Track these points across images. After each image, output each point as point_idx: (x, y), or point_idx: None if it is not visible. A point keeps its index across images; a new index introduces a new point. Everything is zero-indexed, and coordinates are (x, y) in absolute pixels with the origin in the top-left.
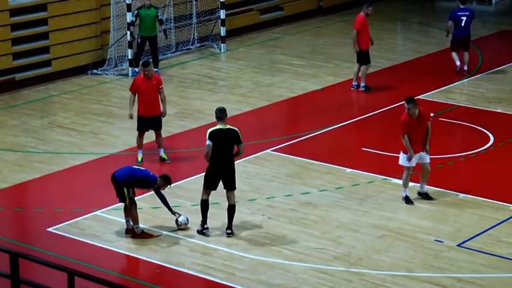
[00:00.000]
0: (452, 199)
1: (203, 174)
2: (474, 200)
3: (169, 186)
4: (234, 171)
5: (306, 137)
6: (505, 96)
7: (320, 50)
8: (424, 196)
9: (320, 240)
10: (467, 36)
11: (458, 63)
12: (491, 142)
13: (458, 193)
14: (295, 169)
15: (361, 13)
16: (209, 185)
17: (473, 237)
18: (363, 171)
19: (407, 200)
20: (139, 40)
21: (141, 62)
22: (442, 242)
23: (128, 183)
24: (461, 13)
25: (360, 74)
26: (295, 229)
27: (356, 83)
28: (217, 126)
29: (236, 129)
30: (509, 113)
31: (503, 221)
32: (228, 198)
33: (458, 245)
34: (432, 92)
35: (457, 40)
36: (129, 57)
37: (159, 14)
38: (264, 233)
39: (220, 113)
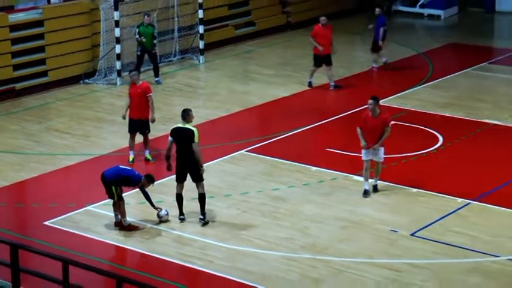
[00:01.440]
0: (406, 193)
1: None
2: (425, 194)
3: (152, 184)
4: (197, 165)
5: (276, 139)
6: (452, 102)
7: (288, 61)
8: (373, 188)
9: (289, 231)
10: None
11: (384, 59)
12: (440, 142)
13: (411, 188)
14: (266, 168)
15: (318, 23)
16: (177, 178)
17: (425, 227)
18: (327, 169)
19: (364, 193)
20: (138, 53)
21: (129, 70)
22: (397, 231)
23: (116, 181)
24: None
25: (328, 77)
26: (266, 221)
27: (310, 80)
28: (178, 125)
29: (193, 129)
30: (456, 116)
31: (451, 213)
32: (197, 188)
33: (412, 234)
34: (389, 98)
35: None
36: (117, 68)
37: (155, 32)
38: (239, 225)
39: (183, 113)
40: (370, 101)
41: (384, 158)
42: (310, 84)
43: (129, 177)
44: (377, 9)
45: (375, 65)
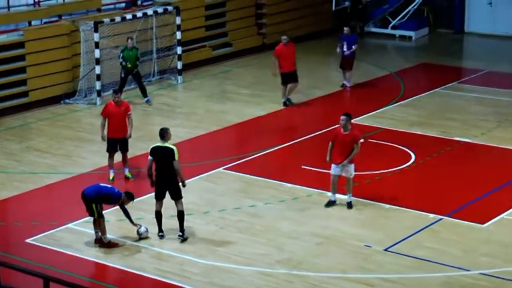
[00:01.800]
0: (380, 209)
1: None
2: (399, 210)
3: (132, 201)
4: (176, 183)
5: (253, 157)
6: (423, 120)
7: (264, 81)
8: (347, 205)
9: (265, 247)
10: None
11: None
12: (412, 160)
13: (385, 204)
14: (243, 185)
15: (281, 43)
16: (157, 196)
17: (398, 242)
18: (302, 186)
19: (327, 203)
20: (122, 75)
21: (112, 90)
22: (370, 246)
23: (96, 199)
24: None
25: (288, 90)
26: (243, 237)
27: (284, 100)
28: (157, 144)
29: (173, 147)
30: (427, 134)
31: (423, 228)
32: (176, 206)
33: (385, 249)
34: (362, 116)
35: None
36: (97, 88)
37: (138, 53)
38: (216, 241)
39: (162, 132)
40: (342, 117)
41: (355, 174)
42: (285, 103)
43: (110, 194)
44: (346, 29)
45: (346, 82)
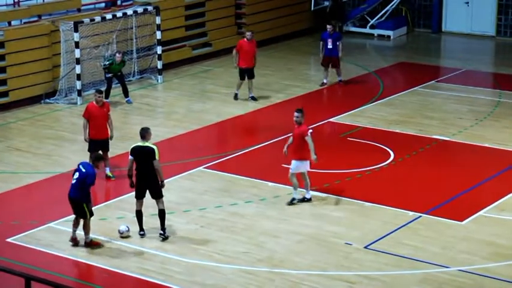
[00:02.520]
0: (360, 207)
1: None
2: (378, 208)
3: (101, 161)
4: (157, 182)
5: (233, 156)
6: (402, 119)
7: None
8: (306, 200)
9: (246, 245)
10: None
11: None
12: (391, 158)
13: (365, 202)
14: (224, 184)
15: (244, 38)
16: (137, 195)
17: (377, 240)
18: (283, 184)
19: (290, 201)
20: (108, 75)
21: (94, 90)
22: (351, 244)
23: (85, 196)
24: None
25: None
26: (224, 236)
27: (236, 92)
28: (138, 143)
29: (153, 147)
30: (406, 133)
31: (403, 226)
32: (157, 205)
33: (365, 247)
34: (341, 115)
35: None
36: (78, 88)
37: (125, 65)
38: (197, 239)
39: (142, 132)
40: (296, 114)
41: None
42: (236, 96)
43: (89, 177)
44: (329, 27)
45: (338, 77)
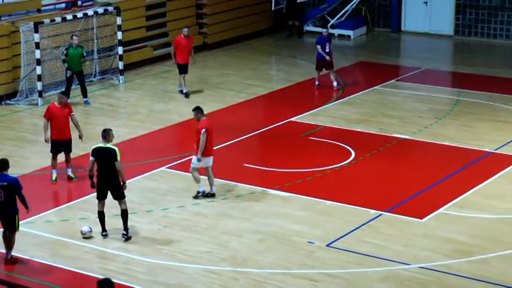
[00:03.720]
0: (321, 206)
1: None
2: (339, 207)
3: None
4: (118, 183)
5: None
6: (363, 118)
7: (206, 80)
8: (209, 195)
9: (209, 244)
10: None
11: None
12: (352, 157)
13: (326, 200)
14: (186, 184)
15: (181, 34)
16: (99, 196)
17: (339, 238)
18: (245, 184)
19: (195, 195)
20: (68, 74)
21: (58, 92)
22: (313, 243)
23: (15, 205)
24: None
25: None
26: (187, 235)
27: (180, 89)
28: (99, 145)
29: (115, 148)
30: (366, 131)
31: (364, 224)
32: (119, 205)
33: (327, 245)
34: (303, 114)
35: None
36: (39, 89)
37: (84, 52)
38: (160, 239)
39: (104, 133)
40: (194, 112)
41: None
42: (181, 92)
43: (17, 184)
44: (324, 30)
45: (334, 82)
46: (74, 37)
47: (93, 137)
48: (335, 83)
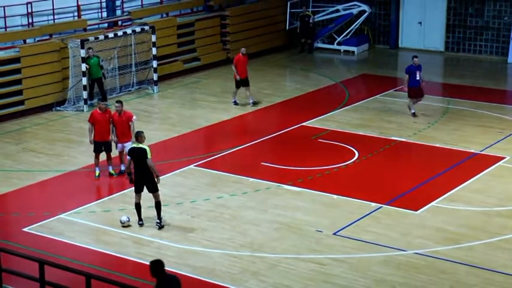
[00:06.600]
0: (329, 199)
1: None
2: (345, 200)
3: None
4: (152, 178)
5: (220, 155)
6: (365, 123)
7: (229, 90)
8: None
9: (231, 232)
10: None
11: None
12: (356, 157)
13: (333, 195)
14: (211, 179)
15: (239, 53)
16: (136, 189)
17: (344, 227)
18: (263, 180)
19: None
20: (89, 81)
21: (97, 100)
22: (321, 231)
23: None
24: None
25: (247, 94)
26: (212, 225)
27: (234, 100)
28: (133, 145)
29: (146, 147)
30: (368, 134)
31: (366, 215)
32: (153, 198)
33: (334, 234)
34: (313, 120)
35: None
36: (84, 97)
37: (100, 61)
38: (188, 228)
39: (136, 135)
40: (117, 104)
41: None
42: (235, 103)
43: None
44: (416, 59)
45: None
46: (90, 51)
47: (132, 140)
48: (413, 110)
